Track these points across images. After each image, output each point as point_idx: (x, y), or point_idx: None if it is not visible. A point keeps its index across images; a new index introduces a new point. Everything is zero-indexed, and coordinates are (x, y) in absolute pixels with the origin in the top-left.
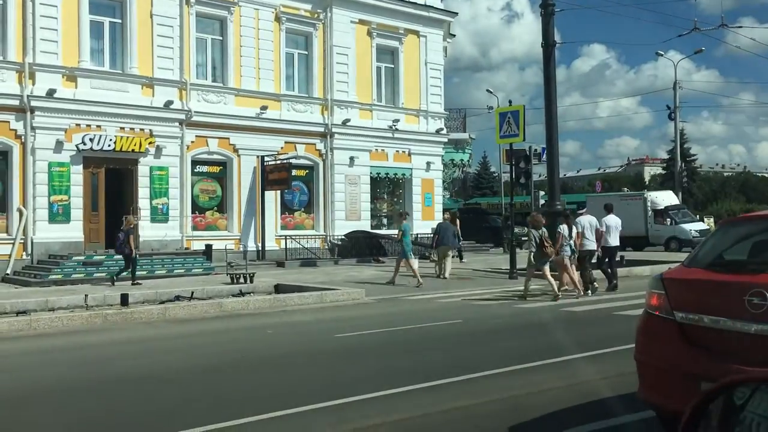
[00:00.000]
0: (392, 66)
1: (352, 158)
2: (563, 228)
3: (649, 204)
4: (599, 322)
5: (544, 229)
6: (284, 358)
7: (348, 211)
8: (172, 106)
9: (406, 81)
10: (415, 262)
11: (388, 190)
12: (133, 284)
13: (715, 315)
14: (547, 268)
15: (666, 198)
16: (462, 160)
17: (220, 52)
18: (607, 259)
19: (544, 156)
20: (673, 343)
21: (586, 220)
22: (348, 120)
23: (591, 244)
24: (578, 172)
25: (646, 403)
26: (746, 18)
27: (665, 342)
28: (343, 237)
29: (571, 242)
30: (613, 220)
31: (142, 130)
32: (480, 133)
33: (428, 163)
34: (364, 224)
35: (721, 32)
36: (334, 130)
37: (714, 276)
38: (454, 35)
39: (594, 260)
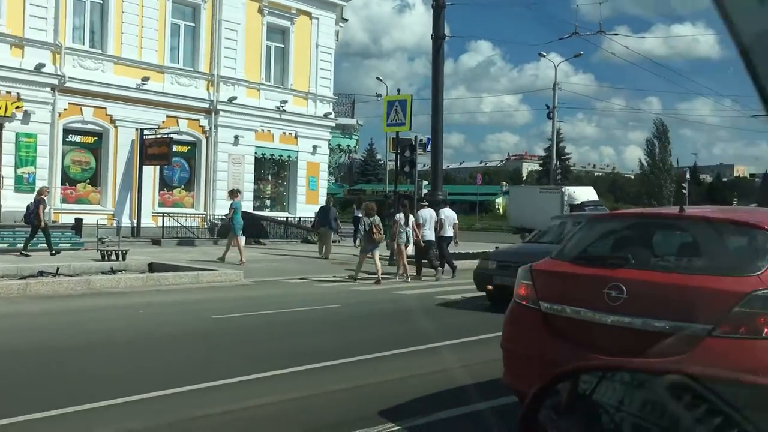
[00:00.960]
0: (282, 46)
1: (236, 137)
2: (400, 217)
3: (566, 198)
4: (469, 311)
5: (376, 217)
6: (155, 340)
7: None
8: (43, 70)
9: (296, 62)
10: (242, 240)
11: (273, 171)
12: (52, 254)
13: (577, 306)
14: (377, 252)
15: (584, 193)
16: (348, 145)
17: (99, 16)
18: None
19: (429, 146)
20: (537, 332)
21: (427, 213)
22: (234, 98)
23: (430, 235)
24: (461, 164)
25: (510, 390)
26: (621, 27)
27: (530, 331)
28: (223, 217)
29: (408, 231)
30: (448, 213)
31: (9, 93)
32: (368, 120)
33: (315, 147)
34: (247, 205)
35: (599, 38)
36: (219, 107)
37: (577, 269)
38: (347, 20)
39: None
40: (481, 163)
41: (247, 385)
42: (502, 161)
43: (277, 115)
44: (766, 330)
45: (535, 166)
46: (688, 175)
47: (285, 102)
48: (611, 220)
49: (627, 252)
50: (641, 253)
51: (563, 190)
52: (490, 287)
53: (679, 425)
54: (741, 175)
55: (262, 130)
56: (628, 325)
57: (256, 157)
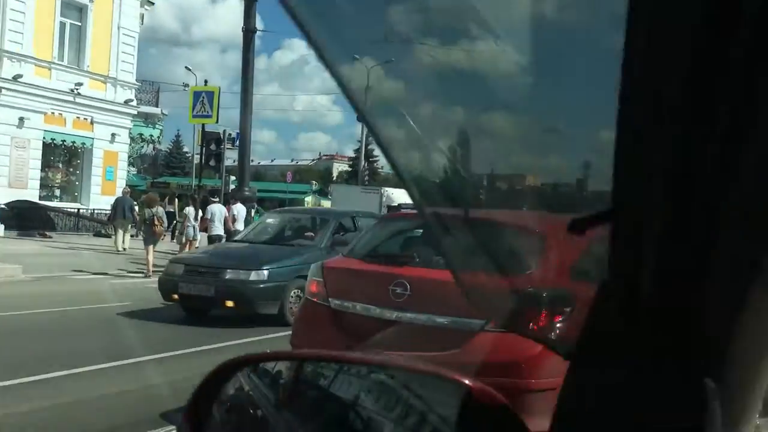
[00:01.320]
0: (79, 24)
1: (21, 119)
2: (189, 211)
3: (384, 199)
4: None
5: (158, 208)
6: None
7: (13, 177)
8: None
9: (94, 43)
10: None
11: (65, 159)
12: None
13: (366, 303)
14: (151, 247)
15: (402, 195)
16: (152, 135)
17: None
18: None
19: (238, 141)
20: (327, 329)
21: (216, 208)
22: (20, 76)
23: (219, 230)
24: (272, 161)
25: None
26: (432, 38)
27: (320, 328)
28: (3, 206)
29: (195, 225)
30: (240, 208)
31: None
32: (174, 110)
33: (113, 135)
34: (32, 194)
35: (408, 46)
36: (1, 84)
37: (366, 266)
38: (153, 3)
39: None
40: (292, 161)
41: (4, 392)
42: (313, 160)
43: (71, 98)
44: (530, 324)
45: (345, 167)
46: (485, 182)
47: (80, 84)
48: (401, 220)
49: (413, 250)
50: (426, 252)
51: (383, 191)
52: (175, 296)
53: (383, 423)
54: (532, 184)
55: (53, 113)
56: (412, 321)
57: (44, 142)
